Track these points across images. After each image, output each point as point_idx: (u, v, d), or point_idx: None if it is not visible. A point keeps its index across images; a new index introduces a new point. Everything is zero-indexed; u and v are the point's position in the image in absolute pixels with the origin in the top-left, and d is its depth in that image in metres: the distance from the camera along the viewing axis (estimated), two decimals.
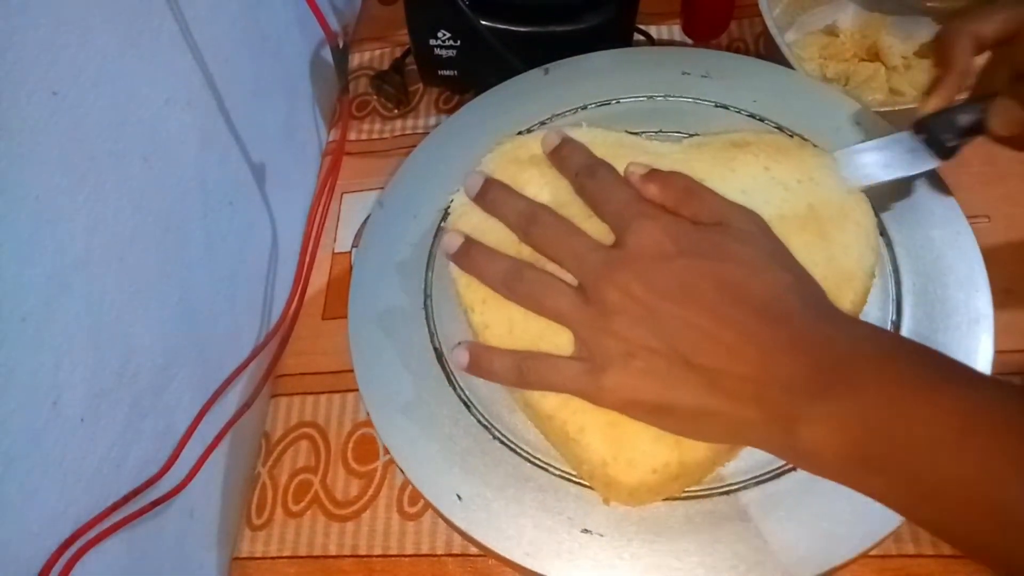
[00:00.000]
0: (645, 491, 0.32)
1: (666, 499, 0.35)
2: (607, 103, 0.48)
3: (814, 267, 0.33)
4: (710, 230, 0.32)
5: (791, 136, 0.43)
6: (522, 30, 0.55)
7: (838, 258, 0.35)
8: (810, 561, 0.33)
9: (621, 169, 0.36)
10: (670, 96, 0.48)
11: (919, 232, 0.41)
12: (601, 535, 0.35)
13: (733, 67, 0.49)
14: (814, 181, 0.38)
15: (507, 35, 0.55)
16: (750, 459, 0.35)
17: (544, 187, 0.38)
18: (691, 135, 0.42)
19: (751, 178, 0.37)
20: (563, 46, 0.52)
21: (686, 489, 0.35)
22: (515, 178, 0.38)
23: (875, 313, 0.38)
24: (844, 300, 0.34)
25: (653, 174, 0.35)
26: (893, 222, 0.41)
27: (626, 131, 0.42)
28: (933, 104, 0.39)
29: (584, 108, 0.48)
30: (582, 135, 0.39)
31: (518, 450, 0.37)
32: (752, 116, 0.46)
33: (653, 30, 0.64)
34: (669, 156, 0.39)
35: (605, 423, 0.32)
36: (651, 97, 0.48)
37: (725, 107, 0.46)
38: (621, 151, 0.38)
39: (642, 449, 0.32)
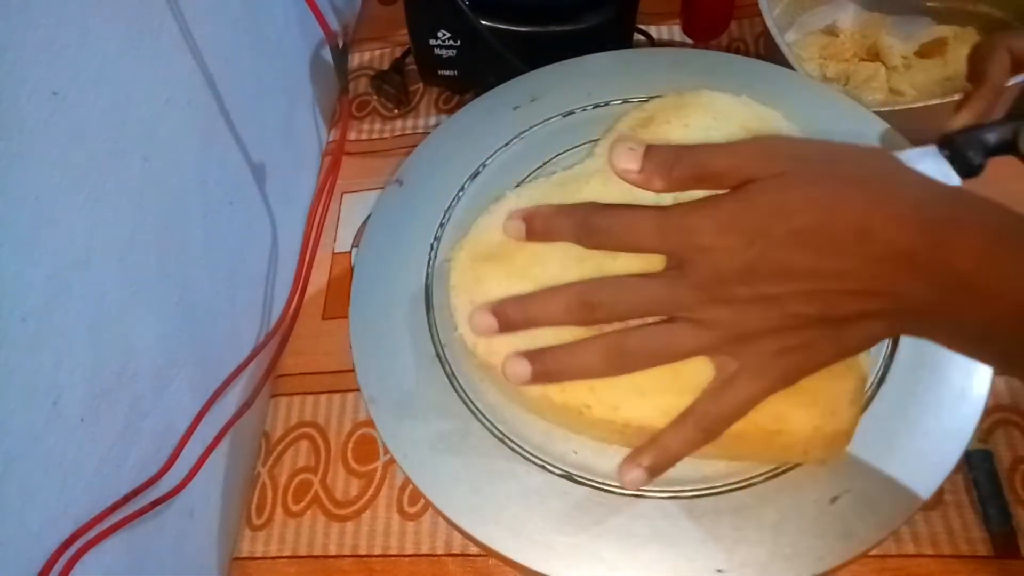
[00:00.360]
0: (854, 422, 0.33)
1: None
2: (477, 173, 0.46)
3: None
4: (749, 195, 0.30)
5: (657, 98, 0.44)
6: (522, 30, 0.55)
7: None
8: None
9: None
10: (523, 133, 0.47)
11: None
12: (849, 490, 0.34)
13: (551, 78, 0.50)
14: (723, 116, 0.39)
15: (507, 35, 0.55)
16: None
17: (548, 263, 0.35)
18: (591, 141, 0.42)
19: (686, 141, 0.37)
20: (563, 46, 0.52)
21: None
22: (509, 271, 0.36)
23: None
24: None
25: (647, 165, 0.31)
26: None
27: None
28: (962, 119, 0.38)
29: (462, 190, 0.46)
30: (521, 201, 0.37)
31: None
32: (597, 106, 0.47)
33: (653, 30, 0.64)
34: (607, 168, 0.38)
35: (788, 396, 0.31)
36: (508, 144, 0.47)
37: (572, 112, 0.47)
38: (566, 189, 0.37)
39: (832, 393, 0.32)
